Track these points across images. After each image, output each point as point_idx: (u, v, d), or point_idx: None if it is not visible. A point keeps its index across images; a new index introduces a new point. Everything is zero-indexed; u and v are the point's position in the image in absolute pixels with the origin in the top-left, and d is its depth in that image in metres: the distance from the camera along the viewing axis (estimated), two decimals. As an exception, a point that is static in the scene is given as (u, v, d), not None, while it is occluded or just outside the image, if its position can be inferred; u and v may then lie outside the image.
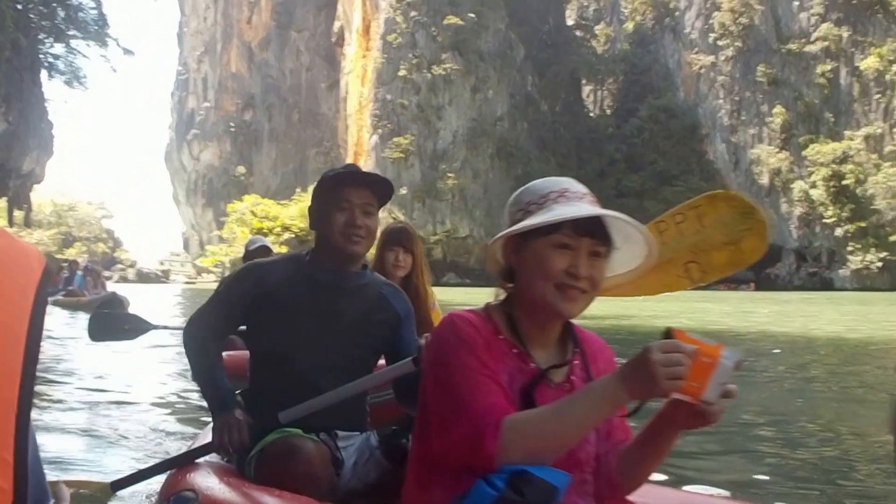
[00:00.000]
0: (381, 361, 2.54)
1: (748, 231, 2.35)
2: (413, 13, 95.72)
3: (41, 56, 35.68)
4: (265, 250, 6.80)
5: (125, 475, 2.56)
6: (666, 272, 2.31)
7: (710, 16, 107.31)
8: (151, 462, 4.33)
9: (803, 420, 5.97)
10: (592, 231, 1.54)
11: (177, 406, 6.11)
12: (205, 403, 6.02)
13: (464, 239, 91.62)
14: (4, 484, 0.65)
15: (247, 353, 2.60)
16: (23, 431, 0.65)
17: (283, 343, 2.36)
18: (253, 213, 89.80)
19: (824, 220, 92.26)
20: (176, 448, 4.49)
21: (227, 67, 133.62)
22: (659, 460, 1.60)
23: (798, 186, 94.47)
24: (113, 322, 6.29)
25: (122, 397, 6.43)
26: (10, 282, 0.68)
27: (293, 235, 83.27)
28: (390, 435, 2.31)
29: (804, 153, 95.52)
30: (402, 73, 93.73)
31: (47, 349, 9.48)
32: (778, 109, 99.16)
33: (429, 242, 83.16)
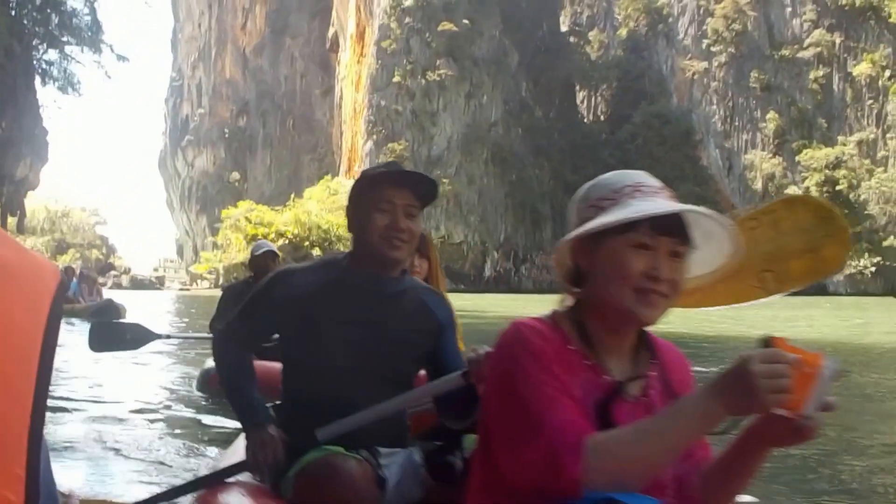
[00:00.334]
0: (422, 372, 2.40)
1: (828, 238, 2.18)
2: (407, 19, 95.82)
3: (35, 62, 35.57)
4: (271, 255, 6.73)
5: (150, 496, 2.43)
6: (738, 282, 2.11)
7: (703, 22, 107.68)
8: (158, 475, 4.30)
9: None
10: (671, 229, 1.42)
11: (180, 418, 5.95)
12: (213, 417, 5.70)
13: (458, 244, 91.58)
14: (16, 499, 0.66)
15: (279, 364, 2.46)
16: (35, 446, 0.65)
17: (317, 354, 2.22)
18: (247, 219, 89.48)
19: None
20: (185, 463, 4.45)
21: (222, 73, 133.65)
22: (747, 480, 1.47)
23: (792, 192, 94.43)
24: (114, 332, 6.28)
25: (124, 408, 6.29)
26: (25, 296, 0.68)
27: (287, 241, 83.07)
28: (435, 451, 2.23)
29: (797, 158, 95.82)
30: (396, 78, 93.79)
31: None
32: (771, 115, 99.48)
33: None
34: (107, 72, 37.67)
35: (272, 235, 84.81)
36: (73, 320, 16.31)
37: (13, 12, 32.64)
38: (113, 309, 18.17)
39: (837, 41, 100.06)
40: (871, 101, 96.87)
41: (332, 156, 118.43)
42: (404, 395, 2.23)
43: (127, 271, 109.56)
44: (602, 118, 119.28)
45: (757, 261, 2.15)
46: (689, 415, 1.28)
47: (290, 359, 2.34)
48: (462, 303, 20.06)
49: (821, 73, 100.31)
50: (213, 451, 4.70)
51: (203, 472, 4.30)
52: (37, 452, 0.65)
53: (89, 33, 36.82)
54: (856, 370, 9.84)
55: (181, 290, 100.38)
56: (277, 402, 2.40)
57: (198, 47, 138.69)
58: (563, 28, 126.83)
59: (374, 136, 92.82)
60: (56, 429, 5.19)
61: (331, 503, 1.94)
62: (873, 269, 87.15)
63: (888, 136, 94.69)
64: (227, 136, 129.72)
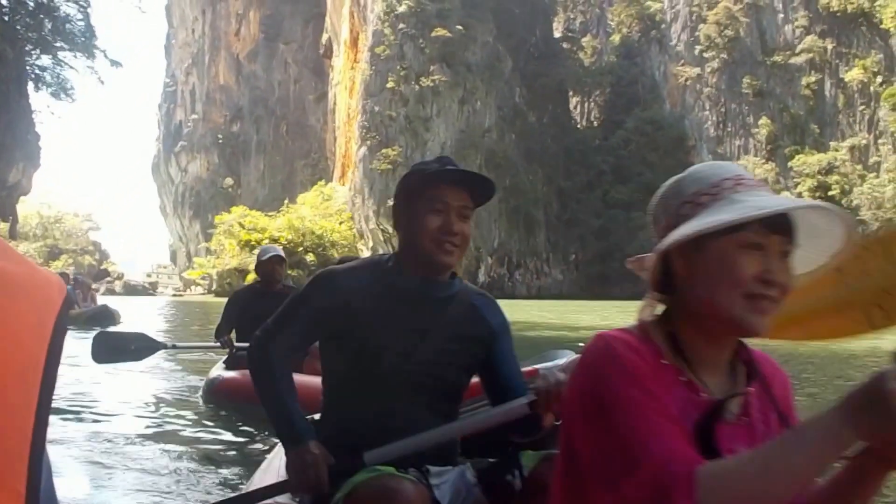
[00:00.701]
0: (475, 379, 2.23)
1: None
2: (401, 25, 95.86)
3: (28, 67, 35.53)
4: (279, 260, 6.62)
5: None
6: (843, 316, 1.80)
7: (695, 28, 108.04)
8: (164, 490, 4.15)
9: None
10: (782, 227, 1.28)
11: (186, 429, 5.81)
12: (220, 428, 5.62)
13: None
14: None
15: (311, 377, 2.27)
16: (36, 461, 0.65)
17: (360, 363, 2.07)
18: (241, 224, 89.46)
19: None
20: (192, 477, 4.34)
21: (215, 79, 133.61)
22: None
23: (785, 196, 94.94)
24: (118, 343, 6.12)
25: (127, 419, 6.17)
26: (30, 311, 0.68)
27: (281, 247, 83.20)
28: (489, 469, 2.08)
29: (790, 164, 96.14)
30: (390, 84, 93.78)
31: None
32: (764, 121, 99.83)
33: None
34: (100, 77, 37.65)
35: (266, 241, 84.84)
36: (69, 326, 16.25)
37: (6, 17, 32.62)
38: (108, 314, 18.16)
39: (829, 47, 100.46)
40: (862, 107, 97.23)
41: (326, 161, 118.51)
42: (463, 422, 2.10)
43: (120, 277, 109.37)
44: (595, 124, 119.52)
45: (865, 293, 1.81)
46: (816, 441, 1.09)
47: (333, 369, 2.19)
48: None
49: (813, 78, 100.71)
50: (222, 464, 4.61)
51: (216, 490, 4.21)
52: (38, 468, 0.65)
53: (82, 39, 36.84)
54: None
55: (174, 295, 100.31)
56: (316, 417, 2.24)
57: (191, 53, 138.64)
58: (557, 34, 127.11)
59: (368, 142, 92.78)
60: (57, 441, 5.07)
61: None
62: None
63: (880, 141, 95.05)
64: (220, 141, 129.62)
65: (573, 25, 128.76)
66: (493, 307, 2.25)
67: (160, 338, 6.90)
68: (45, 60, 36.78)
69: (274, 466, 2.24)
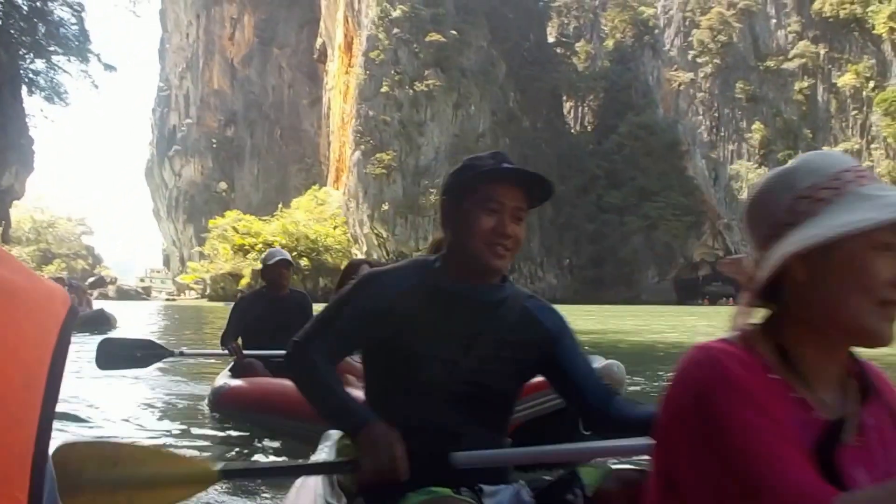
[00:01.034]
0: (539, 379, 2.10)
1: None
2: (395, 30, 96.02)
3: (21, 71, 35.47)
4: (285, 264, 6.42)
5: (237, 466, 2.05)
6: None
7: (689, 33, 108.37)
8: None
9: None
10: None
11: (192, 439, 5.55)
12: (228, 438, 5.45)
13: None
14: None
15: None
16: (39, 472, 0.66)
17: (403, 371, 1.93)
18: (235, 229, 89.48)
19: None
20: (201, 493, 4.14)
21: (209, 83, 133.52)
22: None
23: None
24: (123, 349, 5.97)
25: (130, 428, 5.94)
26: (34, 323, 0.69)
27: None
28: (547, 489, 1.92)
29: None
30: (384, 89, 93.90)
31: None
32: (757, 125, 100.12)
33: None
34: (94, 81, 37.56)
35: (259, 245, 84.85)
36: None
37: (0, 21, 32.60)
38: (104, 319, 18.12)
39: (822, 52, 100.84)
40: (855, 112, 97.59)
41: (320, 166, 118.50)
42: (568, 447, 1.96)
43: (113, 282, 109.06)
44: (589, 129, 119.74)
45: None
46: None
47: (374, 378, 2.05)
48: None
49: (806, 84, 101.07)
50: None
51: (229, 500, 4.10)
52: (41, 477, 0.66)
53: (77, 43, 36.79)
54: None
55: (168, 300, 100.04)
56: None
57: (185, 57, 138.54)
58: (551, 39, 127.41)
59: (362, 146, 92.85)
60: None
61: None
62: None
63: (873, 146, 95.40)
64: (214, 145, 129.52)
65: (567, 30, 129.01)
66: (547, 309, 2.09)
67: (188, 348, 6.71)
68: (39, 64, 36.71)
69: (309, 485, 2.09)
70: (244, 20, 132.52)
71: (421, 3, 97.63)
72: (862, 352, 1.16)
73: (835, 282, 1.13)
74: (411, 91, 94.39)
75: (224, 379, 6.37)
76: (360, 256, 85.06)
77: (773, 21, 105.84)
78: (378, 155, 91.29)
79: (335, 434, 2.32)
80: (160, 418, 6.48)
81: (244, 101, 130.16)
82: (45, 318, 0.71)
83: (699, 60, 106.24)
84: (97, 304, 22.70)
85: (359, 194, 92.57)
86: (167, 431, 5.78)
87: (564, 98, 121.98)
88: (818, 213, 1.15)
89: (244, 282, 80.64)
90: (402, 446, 1.78)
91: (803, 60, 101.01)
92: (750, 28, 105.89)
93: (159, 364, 6.80)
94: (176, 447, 5.08)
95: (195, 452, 4.89)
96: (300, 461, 1.94)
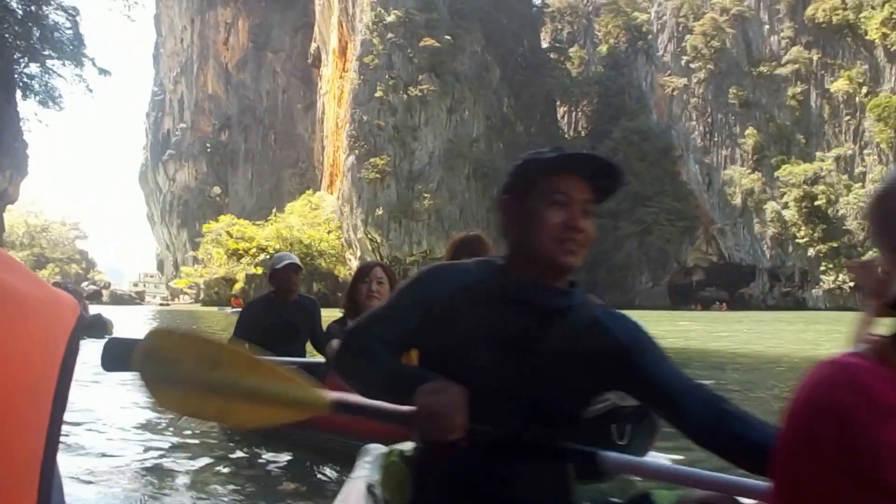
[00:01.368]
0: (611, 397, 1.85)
1: None
2: (390, 35, 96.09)
3: (16, 76, 35.46)
4: (294, 268, 6.23)
5: (349, 400, 1.79)
6: None
7: (682, 39, 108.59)
8: None
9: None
10: None
11: (198, 449, 5.30)
12: (237, 450, 5.20)
13: (440, 260, 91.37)
14: None
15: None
16: (47, 478, 0.66)
17: (452, 375, 1.69)
18: (228, 233, 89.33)
19: (797, 241, 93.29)
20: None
21: (204, 88, 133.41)
22: None
23: (771, 207, 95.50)
24: (129, 350, 5.75)
25: (132, 437, 5.77)
26: (43, 330, 0.69)
27: (269, 256, 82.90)
28: None
29: (776, 174, 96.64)
30: (378, 94, 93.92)
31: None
32: (750, 131, 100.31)
33: (405, 263, 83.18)
34: (88, 85, 37.57)
35: (253, 250, 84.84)
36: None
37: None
38: (101, 324, 18.10)
39: (815, 58, 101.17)
40: (848, 118, 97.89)
41: (314, 170, 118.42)
42: (723, 478, 1.64)
43: (106, 286, 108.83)
44: (583, 134, 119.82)
45: None
46: None
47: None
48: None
49: (799, 89, 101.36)
50: (245, 487, 4.32)
51: None
52: (49, 483, 0.66)
53: (71, 47, 36.83)
54: None
55: (161, 305, 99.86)
56: (413, 444, 1.96)
57: (180, 62, 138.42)
58: (544, 44, 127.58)
59: (356, 151, 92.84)
60: (61, 460, 4.75)
61: None
62: (852, 284, 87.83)
63: (865, 151, 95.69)
64: (208, 150, 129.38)
65: (560, 36, 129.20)
66: (619, 317, 1.89)
67: None
68: (34, 68, 36.77)
69: (351, 502, 1.93)
70: (238, 25, 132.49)
71: (415, 8, 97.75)
72: None
73: None
74: (405, 96, 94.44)
75: None
76: (354, 261, 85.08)
77: (767, 27, 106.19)
78: (372, 159, 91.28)
79: (375, 448, 2.21)
80: (164, 428, 6.16)
81: (238, 106, 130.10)
82: (54, 326, 0.71)
83: (692, 66, 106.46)
84: (92, 309, 22.67)
85: (353, 199, 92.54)
86: (171, 446, 5.45)
87: (558, 103, 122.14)
88: None
89: (238, 286, 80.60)
90: (465, 399, 1.62)
91: (796, 66, 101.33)
92: (743, 34, 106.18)
93: None
94: (184, 463, 4.92)
95: (205, 467, 4.78)
96: (396, 408, 1.71)
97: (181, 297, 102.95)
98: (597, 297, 1.81)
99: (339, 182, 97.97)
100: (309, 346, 6.49)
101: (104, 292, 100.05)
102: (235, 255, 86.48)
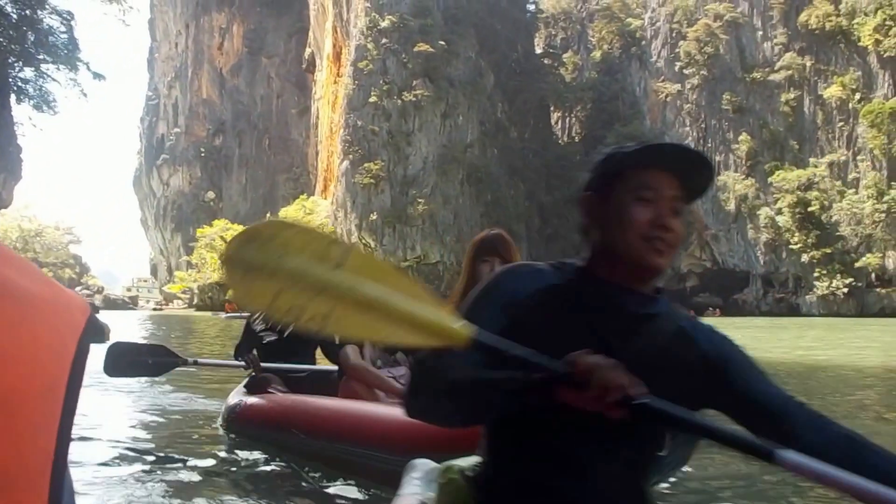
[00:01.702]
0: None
1: None
2: (384, 40, 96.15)
3: (10, 80, 35.39)
4: None
5: (492, 342, 1.45)
6: None
7: (675, 45, 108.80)
8: None
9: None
10: None
11: (203, 458, 5.15)
12: (243, 460, 5.10)
13: (434, 265, 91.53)
14: None
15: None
16: (58, 482, 0.66)
17: None
18: (222, 238, 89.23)
19: (790, 246, 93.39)
20: None
21: (198, 93, 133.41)
22: None
23: (764, 213, 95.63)
24: (134, 355, 5.68)
25: (136, 446, 5.57)
26: (53, 332, 0.69)
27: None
28: None
29: (770, 180, 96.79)
30: (372, 99, 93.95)
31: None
32: (743, 137, 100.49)
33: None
34: (82, 90, 37.41)
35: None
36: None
37: (-12, 31, 32.55)
38: (98, 329, 18.05)
39: (808, 64, 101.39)
40: (841, 124, 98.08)
41: (308, 175, 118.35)
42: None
43: (100, 291, 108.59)
44: (576, 139, 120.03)
45: None
46: None
47: None
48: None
49: (792, 95, 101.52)
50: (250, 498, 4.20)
51: None
52: (59, 487, 0.66)
53: (66, 51, 36.76)
54: None
55: (155, 309, 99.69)
56: (476, 459, 1.75)
57: (174, 67, 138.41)
58: (538, 50, 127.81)
59: (351, 156, 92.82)
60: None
61: None
62: (845, 290, 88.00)
63: (859, 158, 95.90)
64: (202, 155, 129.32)
65: (554, 41, 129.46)
66: (708, 330, 1.70)
67: (205, 357, 6.26)
68: (28, 73, 36.65)
69: None
70: (233, 30, 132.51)
71: (409, 13, 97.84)
72: None
73: None
74: (399, 101, 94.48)
75: (239, 396, 5.85)
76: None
77: (760, 33, 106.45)
78: (366, 165, 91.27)
79: (424, 463, 2.03)
80: (167, 440, 6.03)
81: (233, 111, 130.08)
82: (64, 327, 0.71)
83: (686, 72, 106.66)
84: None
85: (347, 204, 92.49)
86: (176, 456, 5.30)
87: (552, 108, 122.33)
88: None
89: (231, 292, 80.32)
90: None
91: (790, 72, 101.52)
92: (736, 40, 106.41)
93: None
94: (187, 474, 4.76)
95: (210, 481, 4.61)
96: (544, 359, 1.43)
97: (175, 301, 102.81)
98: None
99: (333, 187, 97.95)
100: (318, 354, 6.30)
101: (97, 297, 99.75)
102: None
